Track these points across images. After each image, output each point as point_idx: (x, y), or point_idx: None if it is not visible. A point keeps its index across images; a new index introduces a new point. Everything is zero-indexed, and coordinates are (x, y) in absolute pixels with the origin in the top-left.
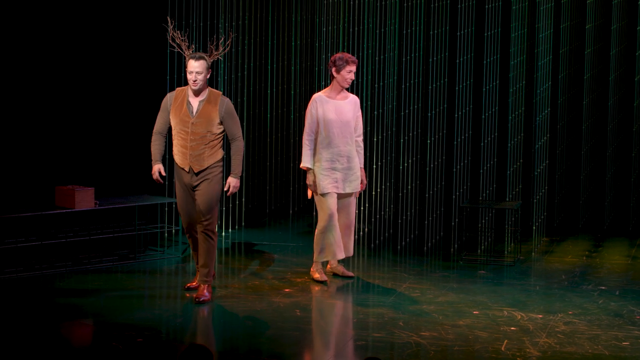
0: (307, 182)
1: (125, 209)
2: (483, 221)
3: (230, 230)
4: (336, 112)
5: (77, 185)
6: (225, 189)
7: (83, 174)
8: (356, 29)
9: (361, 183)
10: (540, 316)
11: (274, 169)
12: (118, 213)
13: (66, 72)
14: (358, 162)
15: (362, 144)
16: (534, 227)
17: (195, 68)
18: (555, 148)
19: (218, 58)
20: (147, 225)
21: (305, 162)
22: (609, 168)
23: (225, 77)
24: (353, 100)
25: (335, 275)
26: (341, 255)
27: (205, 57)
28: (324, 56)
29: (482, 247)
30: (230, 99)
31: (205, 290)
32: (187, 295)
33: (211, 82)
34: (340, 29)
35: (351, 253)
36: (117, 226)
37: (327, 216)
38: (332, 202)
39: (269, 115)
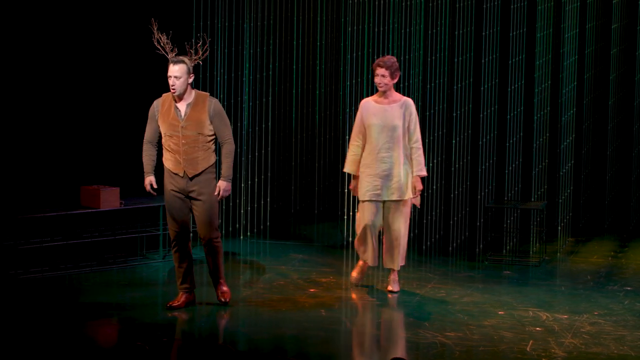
0: (350, 186)
1: (150, 209)
2: (508, 221)
3: (255, 229)
4: (380, 116)
5: (102, 185)
6: (215, 192)
7: (108, 173)
8: (381, 29)
9: (415, 191)
10: (566, 316)
11: (299, 169)
12: (143, 213)
13: (94, 73)
14: (403, 169)
15: (418, 151)
16: (560, 228)
17: (174, 72)
18: (581, 148)
19: (199, 62)
20: None
21: (345, 167)
22: (635, 168)
23: (251, 77)
24: (402, 104)
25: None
26: (373, 263)
27: (186, 60)
28: (349, 56)
29: (508, 247)
30: (256, 99)
31: (223, 286)
32: (169, 315)
33: (236, 83)
34: (365, 29)
35: (394, 266)
36: (142, 226)
37: (363, 224)
38: (369, 210)
39: (294, 115)
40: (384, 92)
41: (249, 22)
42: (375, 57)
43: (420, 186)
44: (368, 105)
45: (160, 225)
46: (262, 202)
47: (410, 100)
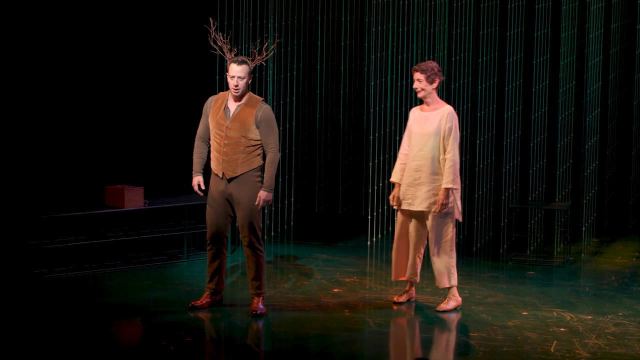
0: (390, 195)
1: (175, 209)
2: (532, 222)
3: (279, 229)
4: (419, 124)
5: (126, 185)
6: (256, 202)
7: (133, 173)
8: (406, 29)
9: (438, 204)
10: (590, 317)
11: (323, 169)
12: (167, 213)
13: (117, 73)
14: (431, 179)
15: (449, 163)
16: (584, 228)
17: (237, 73)
18: (605, 148)
19: (261, 63)
20: (196, 225)
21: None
22: None
23: (275, 77)
24: (441, 112)
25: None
26: (397, 277)
27: (248, 61)
28: (373, 56)
29: (532, 247)
30: (280, 99)
31: (260, 304)
32: (192, 315)
33: (260, 83)
34: (389, 29)
35: (415, 278)
36: (166, 226)
37: (396, 234)
38: (400, 219)
39: (318, 116)
40: (425, 99)
41: (273, 22)
42: (400, 57)
43: (442, 199)
44: (413, 113)
45: (184, 225)
46: (286, 202)
47: (448, 109)
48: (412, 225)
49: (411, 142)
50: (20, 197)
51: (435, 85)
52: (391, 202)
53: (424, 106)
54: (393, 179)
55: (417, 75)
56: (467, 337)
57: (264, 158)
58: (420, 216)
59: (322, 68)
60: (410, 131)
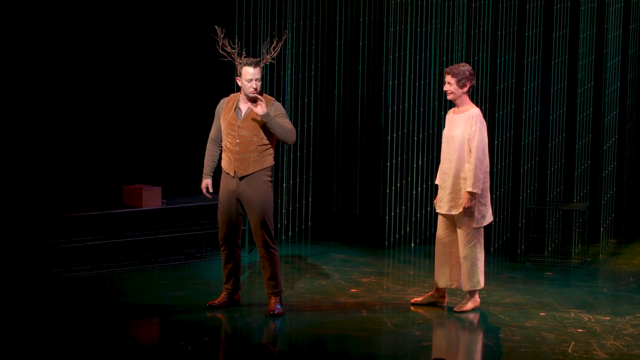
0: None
1: (192, 208)
2: (550, 222)
3: (296, 229)
4: (448, 126)
5: (144, 184)
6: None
7: (150, 173)
8: (424, 29)
9: (461, 207)
10: (608, 318)
11: (341, 169)
12: (185, 212)
13: (135, 73)
14: (455, 181)
15: (470, 166)
16: (602, 229)
17: (255, 75)
18: (624, 149)
19: (271, 61)
20: (213, 224)
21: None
22: None
23: (293, 77)
24: (467, 115)
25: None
26: (438, 284)
27: (259, 62)
28: (391, 56)
29: (549, 248)
30: (298, 99)
31: (277, 304)
32: (209, 314)
33: (278, 83)
34: (407, 29)
35: (458, 285)
36: (184, 225)
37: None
38: (438, 223)
39: (335, 116)
40: (455, 102)
41: (291, 22)
42: (418, 57)
43: (465, 203)
44: (448, 115)
45: (202, 224)
46: (304, 202)
47: (474, 112)
48: (447, 228)
49: (442, 145)
50: (38, 197)
51: (465, 89)
52: (435, 205)
53: (455, 108)
54: (436, 181)
55: (448, 78)
56: (485, 337)
57: (275, 159)
58: (452, 219)
59: (340, 68)
60: (443, 134)
